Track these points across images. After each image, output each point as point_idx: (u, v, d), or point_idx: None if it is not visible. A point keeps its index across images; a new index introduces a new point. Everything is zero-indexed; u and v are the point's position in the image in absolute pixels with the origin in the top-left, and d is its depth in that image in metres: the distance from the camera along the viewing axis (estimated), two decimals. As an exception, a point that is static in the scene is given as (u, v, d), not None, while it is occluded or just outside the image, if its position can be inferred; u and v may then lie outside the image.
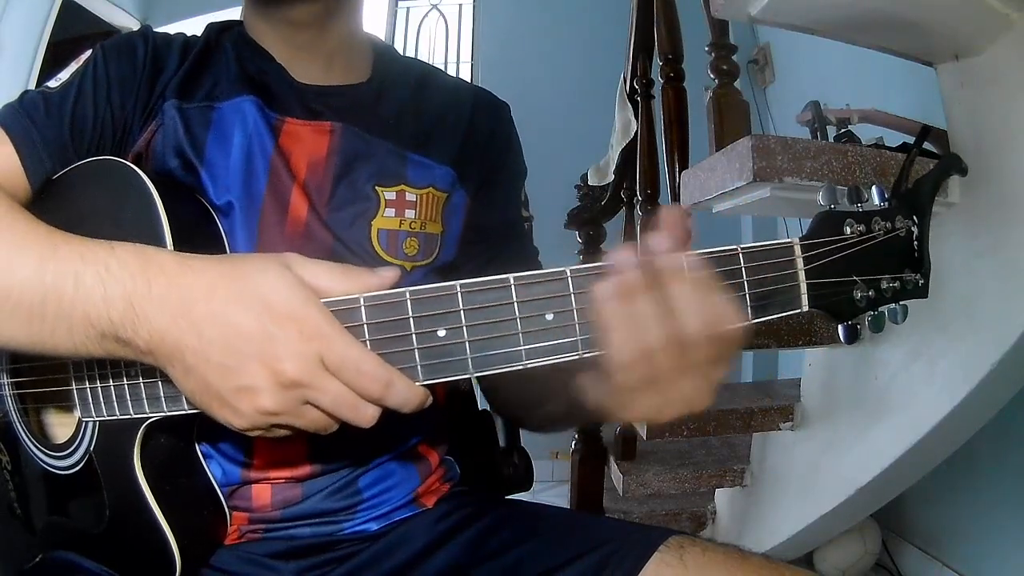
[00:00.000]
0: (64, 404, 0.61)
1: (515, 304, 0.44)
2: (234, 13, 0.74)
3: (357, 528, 0.68)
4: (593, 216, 1.98)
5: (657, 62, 1.61)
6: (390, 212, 0.66)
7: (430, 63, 0.82)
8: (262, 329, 0.43)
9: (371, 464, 0.68)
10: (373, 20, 3.38)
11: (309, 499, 0.65)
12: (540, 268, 0.47)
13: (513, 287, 0.44)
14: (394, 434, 0.69)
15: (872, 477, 1.20)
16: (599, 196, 2.03)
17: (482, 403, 0.90)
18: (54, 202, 0.60)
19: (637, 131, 1.78)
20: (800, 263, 0.46)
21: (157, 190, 0.54)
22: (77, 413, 0.58)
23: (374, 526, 0.68)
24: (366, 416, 0.44)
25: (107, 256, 0.45)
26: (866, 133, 1.64)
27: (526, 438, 0.92)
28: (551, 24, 3.17)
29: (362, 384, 0.43)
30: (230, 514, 0.63)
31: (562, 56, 3.10)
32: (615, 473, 1.64)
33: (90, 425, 0.57)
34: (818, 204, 0.47)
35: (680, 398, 0.44)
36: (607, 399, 0.46)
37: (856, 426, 1.26)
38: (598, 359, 0.44)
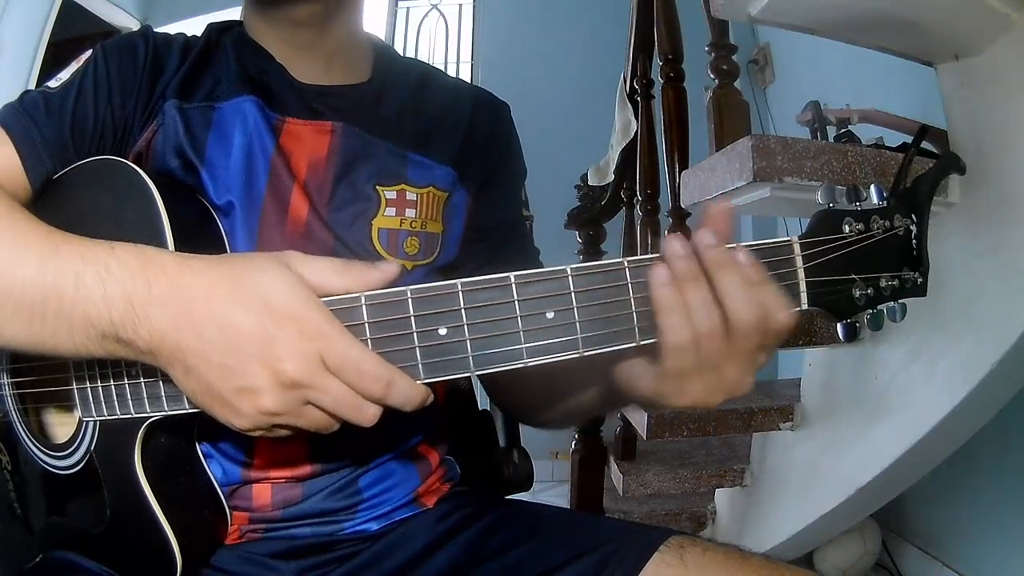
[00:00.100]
0: (64, 404, 0.61)
1: (516, 303, 0.44)
2: (234, 13, 0.74)
3: (357, 528, 0.68)
4: (593, 216, 1.98)
5: (657, 62, 1.61)
6: (390, 211, 0.67)
7: (430, 63, 0.82)
8: (262, 329, 0.43)
9: (371, 464, 0.68)
10: (373, 20, 3.38)
11: (309, 499, 0.65)
12: (541, 268, 0.47)
13: (514, 286, 0.44)
14: (394, 434, 0.69)
15: (872, 477, 1.20)
16: (599, 196, 2.03)
17: (482, 403, 0.90)
18: (55, 202, 0.60)
19: (637, 131, 1.78)
20: (799, 261, 0.46)
21: (158, 190, 0.55)
22: (77, 413, 0.58)
23: (374, 526, 0.68)
24: (367, 415, 0.45)
25: (107, 256, 0.45)
26: (866, 133, 1.64)
27: (526, 438, 0.92)
28: (551, 24, 3.18)
29: (363, 384, 0.43)
30: (230, 514, 0.63)
31: (562, 56, 3.10)
32: (615, 473, 1.64)
33: (90, 425, 0.57)
34: (816, 203, 0.47)
35: (727, 382, 0.46)
36: (658, 386, 0.47)
37: (856, 426, 1.26)
38: (650, 346, 0.45)
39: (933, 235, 0.48)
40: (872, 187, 0.47)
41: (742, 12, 1.01)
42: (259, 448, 0.63)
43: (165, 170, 0.63)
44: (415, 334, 0.44)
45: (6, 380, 0.65)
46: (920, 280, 0.48)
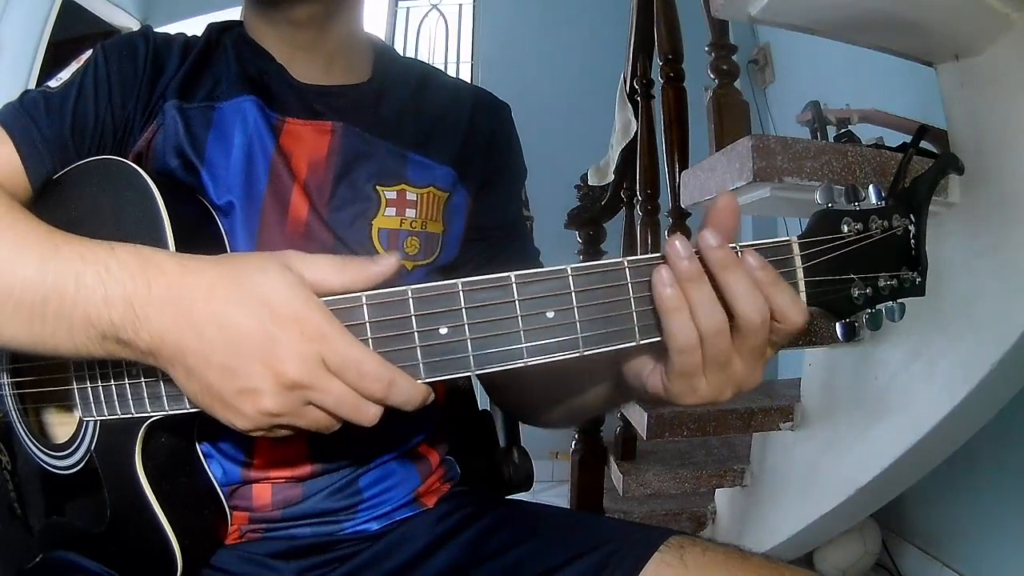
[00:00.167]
0: (64, 404, 0.61)
1: (516, 302, 0.44)
2: (234, 13, 0.74)
3: (357, 528, 0.68)
4: (593, 216, 1.98)
5: (657, 62, 1.61)
6: (391, 211, 0.67)
7: (430, 63, 0.82)
8: (263, 330, 0.43)
9: (372, 464, 0.68)
10: (373, 20, 3.38)
11: (310, 499, 0.65)
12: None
13: (514, 285, 0.44)
14: (395, 434, 0.69)
15: (872, 477, 1.20)
16: (599, 196, 2.03)
17: (482, 403, 0.90)
18: (55, 202, 0.60)
19: (637, 131, 1.78)
20: (798, 261, 0.46)
21: (158, 189, 0.55)
22: (78, 413, 0.58)
23: (375, 526, 0.68)
24: (368, 415, 0.45)
25: (107, 256, 0.45)
26: (866, 133, 1.64)
27: (526, 438, 0.92)
28: (551, 24, 3.18)
29: (364, 384, 0.43)
30: (231, 514, 0.63)
31: (562, 56, 3.10)
32: (615, 473, 1.64)
33: (91, 425, 0.57)
34: (815, 203, 0.47)
35: (737, 378, 0.46)
36: (668, 385, 0.47)
37: (856, 426, 1.26)
38: (656, 345, 0.45)
39: (933, 235, 0.48)
40: (871, 187, 0.47)
41: (742, 12, 1.01)
42: (259, 448, 0.63)
43: (165, 170, 0.63)
44: (416, 334, 0.44)
45: (6, 380, 0.65)
46: (919, 280, 0.48)
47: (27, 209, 0.51)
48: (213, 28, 0.71)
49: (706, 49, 1.43)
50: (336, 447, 0.63)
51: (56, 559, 0.62)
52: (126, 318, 0.44)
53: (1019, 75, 0.94)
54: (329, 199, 0.65)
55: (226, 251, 0.60)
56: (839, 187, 0.47)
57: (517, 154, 0.78)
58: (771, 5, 0.96)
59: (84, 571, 0.60)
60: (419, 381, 0.45)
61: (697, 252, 0.43)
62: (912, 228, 0.47)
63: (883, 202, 0.47)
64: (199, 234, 0.59)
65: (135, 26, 2.91)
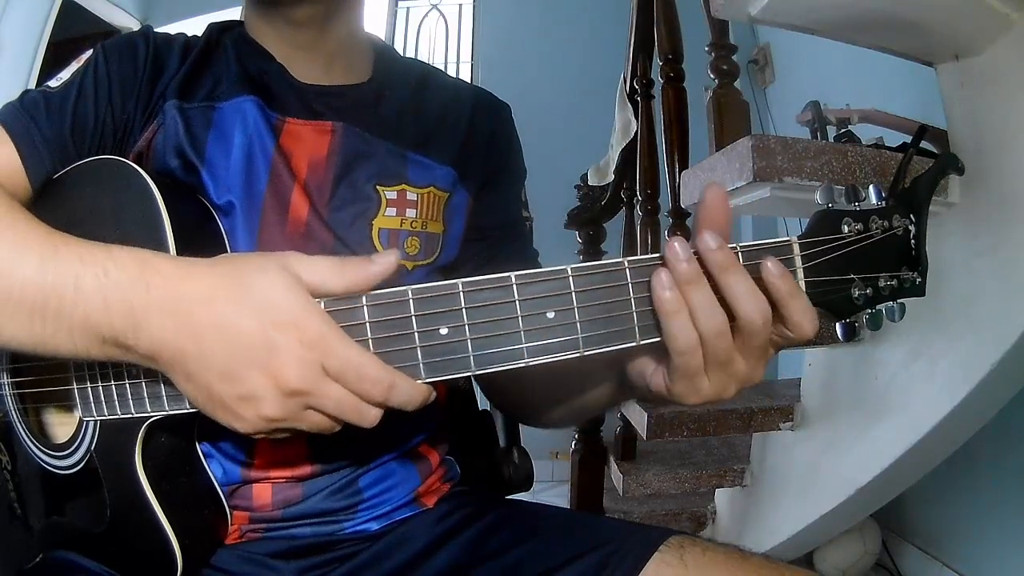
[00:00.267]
0: (64, 404, 0.61)
1: (516, 302, 0.44)
2: (234, 13, 0.74)
3: (358, 528, 0.68)
4: (593, 216, 1.98)
5: (657, 62, 1.61)
6: (391, 211, 0.67)
7: (430, 63, 0.82)
8: (263, 335, 0.42)
9: (372, 464, 0.68)
10: (373, 20, 3.38)
11: (310, 499, 0.65)
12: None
13: (515, 286, 0.44)
14: (395, 434, 0.69)
15: (872, 477, 1.20)
16: (599, 196, 2.03)
17: (482, 403, 0.90)
18: (55, 201, 0.60)
19: (637, 131, 1.78)
20: (798, 261, 0.46)
21: (158, 189, 0.55)
22: (78, 413, 0.58)
23: (374, 526, 0.68)
24: (369, 418, 0.45)
25: (105, 259, 0.45)
26: (866, 133, 1.64)
27: (526, 438, 0.92)
28: (551, 24, 3.18)
29: (364, 388, 0.43)
30: (231, 513, 0.63)
31: (562, 56, 3.10)
32: (615, 473, 1.64)
33: (91, 425, 0.57)
34: (815, 203, 0.47)
35: (740, 375, 0.47)
36: (671, 384, 0.48)
37: (856, 426, 1.26)
38: (658, 345, 0.46)
39: (933, 235, 0.48)
40: (871, 187, 0.47)
41: (742, 12, 1.01)
42: (259, 448, 0.63)
43: (165, 170, 0.63)
44: (416, 334, 0.44)
45: (6, 380, 0.65)
46: (919, 280, 0.48)
47: (27, 209, 0.51)
48: (213, 28, 0.71)
49: (706, 49, 1.43)
50: (336, 447, 0.63)
51: (56, 559, 0.62)
52: (127, 323, 0.44)
53: (1019, 75, 0.94)
54: (329, 199, 0.65)
55: (226, 251, 0.60)
56: (839, 187, 0.47)
57: (517, 154, 0.78)
58: (771, 5, 0.96)
59: (84, 571, 0.60)
60: (419, 381, 0.45)
61: (696, 254, 0.43)
62: (912, 228, 0.47)
63: (883, 202, 0.47)
64: (199, 234, 0.59)
65: (135, 26, 2.91)
